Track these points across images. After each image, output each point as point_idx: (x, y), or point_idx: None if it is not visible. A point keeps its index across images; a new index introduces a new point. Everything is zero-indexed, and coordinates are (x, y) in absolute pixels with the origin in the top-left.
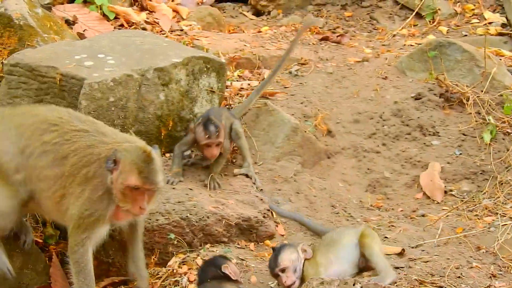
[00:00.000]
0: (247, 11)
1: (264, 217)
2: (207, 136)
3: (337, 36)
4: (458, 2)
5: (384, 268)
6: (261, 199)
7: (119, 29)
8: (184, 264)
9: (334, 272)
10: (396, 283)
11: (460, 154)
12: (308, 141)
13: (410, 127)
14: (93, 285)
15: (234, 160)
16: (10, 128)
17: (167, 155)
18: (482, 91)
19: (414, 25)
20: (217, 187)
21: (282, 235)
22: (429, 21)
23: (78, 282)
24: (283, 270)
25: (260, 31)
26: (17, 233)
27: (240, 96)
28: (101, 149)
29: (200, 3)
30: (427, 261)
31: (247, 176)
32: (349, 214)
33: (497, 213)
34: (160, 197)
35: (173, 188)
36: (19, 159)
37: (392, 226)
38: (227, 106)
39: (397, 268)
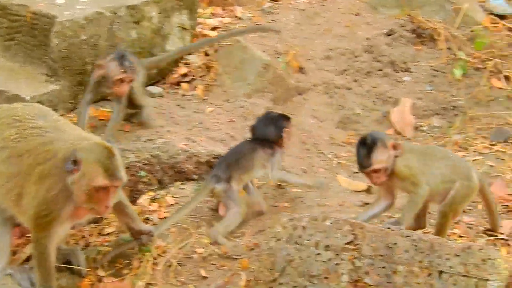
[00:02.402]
0: None
1: None
2: (122, 70)
3: None
4: None
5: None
6: (232, 136)
7: None
8: (154, 202)
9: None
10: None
11: (431, 90)
12: (280, 78)
13: (382, 63)
14: (53, 279)
15: None
16: None
17: None
18: (453, 27)
19: None
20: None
21: None
22: None
23: (39, 275)
24: (375, 171)
25: None
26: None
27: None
28: (56, 147)
29: None
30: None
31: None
32: (320, 150)
33: (467, 148)
34: (130, 135)
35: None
36: None
37: None
38: None
39: (366, 204)
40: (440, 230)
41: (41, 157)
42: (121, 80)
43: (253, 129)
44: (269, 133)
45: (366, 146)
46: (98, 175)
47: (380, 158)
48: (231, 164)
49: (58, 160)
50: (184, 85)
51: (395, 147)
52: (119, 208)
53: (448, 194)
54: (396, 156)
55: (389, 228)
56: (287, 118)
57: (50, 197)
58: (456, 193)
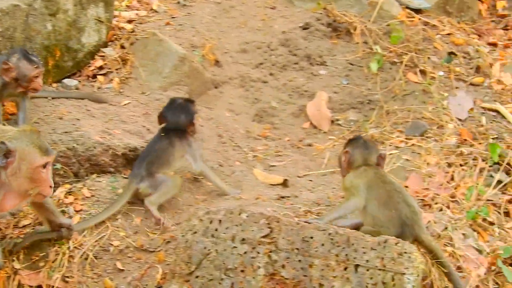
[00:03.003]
0: None
1: None
2: (35, 66)
3: None
4: None
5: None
6: (148, 129)
7: None
8: (70, 194)
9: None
10: (281, 213)
11: (347, 83)
12: (196, 71)
13: (298, 57)
14: None
15: None
16: None
17: (54, 85)
18: (369, 20)
19: None
20: None
21: None
22: None
23: None
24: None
25: None
26: None
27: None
28: None
29: None
30: (313, 191)
31: None
32: (236, 144)
33: (383, 142)
34: (46, 127)
35: (60, 118)
36: None
37: (279, 155)
38: None
39: (282, 197)
40: None
41: None
42: (36, 76)
43: (163, 118)
44: (181, 121)
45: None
46: (36, 155)
47: (340, 154)
48: (151, 161)
49: None
50: (100, 77)
51: (345, 157)
52: (38, 202)
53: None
54: (345, 167)
55: (306, 222)
56: (193, 102)
57: None
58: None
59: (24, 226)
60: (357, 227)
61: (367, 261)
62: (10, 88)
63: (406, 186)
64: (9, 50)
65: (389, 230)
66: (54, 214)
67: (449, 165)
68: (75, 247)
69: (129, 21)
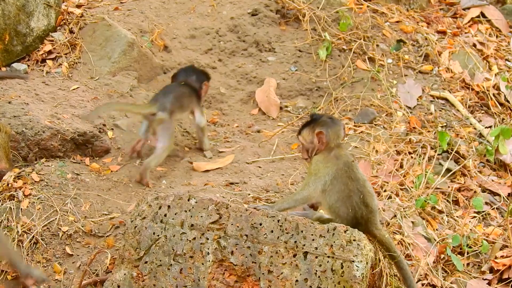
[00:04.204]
0: None
1: (100, 132)
2: None
3: None
4: None
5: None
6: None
7: None
8: (20, 179)
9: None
10: (230, 199)
11: (296, 70)
12: (145, 56)
13: (246, 43)
14: None
15: None
16: None
17: (3, 69)
18: (318, 7)
19: None
20: None
21: (118, 148)
22: None
23: None
24: (301, 144)
25: None
26: None
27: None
28: None
29: None
30: (262, 177)
31: None
32: (185, 129)
33: None
34: None
35: (9, 102)
36: None
37: (228, 141)
38: None
39: (231, 184)
40: None
41: None
42: None
43: (178, 76)
44: (190, 80)
45: (309, 119)
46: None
47: (305, 137)
48: (175, 99)
49: None
50: (49, 62)
51: (319, 138)
52: None
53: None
54: (318, 149)
55: (255, 208)
56: (207, 74)
57: None
58: None
59: None
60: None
61: (316, 248)
62: None
63: None
64: None
65: (342, 223)
66: None
67: (398, 152)
68: (24, 231)
69: (78, 6)
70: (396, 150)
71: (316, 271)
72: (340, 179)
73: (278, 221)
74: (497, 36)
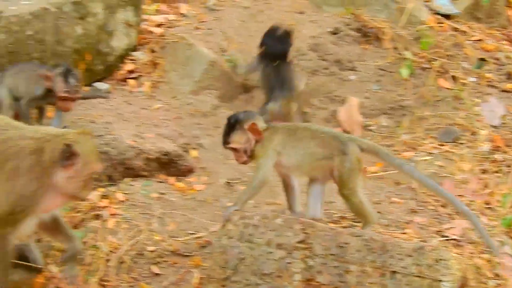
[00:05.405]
0: None
1: (183, 151)
2: (66, 89)
3: None
4: None
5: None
6: (180, 133)
7: None
8: (105, 198)
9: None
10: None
11: (378, 89)
12: (226, 75)
13: (328, 62)
14: (8, 274)
15: None
16: None
17: (86, 88)
18: (398, 26)
19: None
20: None
21: (202, 168)
22: None
23: None
24: (234, 149)
25: None
26: None
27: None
28: (22, 143)
29: None
30: None
31: None
32: None
33: (416, 148)
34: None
35: (92, 122)
36: None
37: None
38: None
39: None
40: (358, 214)
41: (7, 154)
42: (65, 98)
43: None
44: (283, 49)
45: (229, 124)
46: (94, 162)
47: (237, 139)
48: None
49: (30, 155)
50: (131, 81)
51: (253, 131)
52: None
53: (330, 172)
54: (256, 141)
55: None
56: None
57: (28, 193)
58: (338, 170)
59: None
60: None
61: (404, 267)
62: (49, 97)
63: None
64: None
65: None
66: (67, 239)
67: (483, 171)
68: (110, 251)
69: (158, 25)
70: (481, 169)
71: None
72: (290, 138)
73: (365, 240)
74: None
